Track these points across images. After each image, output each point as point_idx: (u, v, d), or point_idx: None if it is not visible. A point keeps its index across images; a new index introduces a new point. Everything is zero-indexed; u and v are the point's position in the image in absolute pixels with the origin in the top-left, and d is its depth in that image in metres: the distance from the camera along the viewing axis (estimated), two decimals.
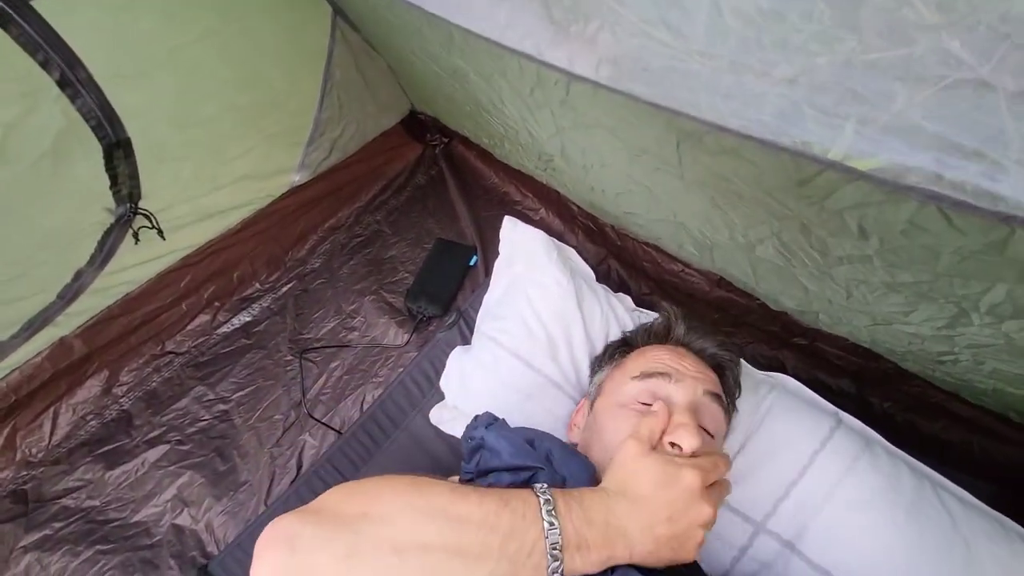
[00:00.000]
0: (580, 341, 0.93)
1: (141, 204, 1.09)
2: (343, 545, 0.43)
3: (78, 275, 1.09)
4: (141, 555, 1.02)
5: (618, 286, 1.17)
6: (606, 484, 0.54)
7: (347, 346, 1.25)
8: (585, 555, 0.48)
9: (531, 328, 0.93)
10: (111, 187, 1.03)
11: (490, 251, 1.28)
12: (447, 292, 1.28)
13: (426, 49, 1.03)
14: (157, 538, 1.04)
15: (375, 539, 0.44)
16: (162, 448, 1.14)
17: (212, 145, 1.16)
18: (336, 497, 0.48)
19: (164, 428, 1.17)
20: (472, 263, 1.33)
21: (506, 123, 1.11)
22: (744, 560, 0.73)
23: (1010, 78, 0.35)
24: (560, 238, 1.15)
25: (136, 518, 1.07)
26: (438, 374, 1.02)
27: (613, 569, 0.51)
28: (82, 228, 1.05)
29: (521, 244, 1.03)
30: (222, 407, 1.19)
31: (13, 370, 1.12)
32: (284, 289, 1.37)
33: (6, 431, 1.14)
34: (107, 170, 1.01)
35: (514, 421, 0.68)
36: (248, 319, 1.33)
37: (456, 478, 0.64)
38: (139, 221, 1.11)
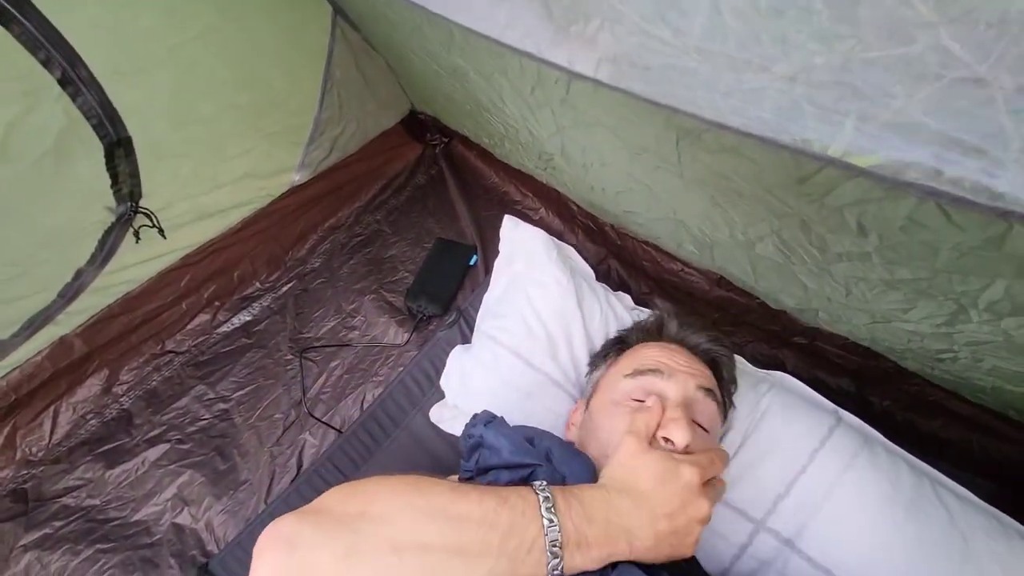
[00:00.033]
0: (580, 340, 0.93)
1: (141, 203, 1.09)
2: (343, 544, 0.43)
3: (79, 274, 1.10)
4: (141, 554, 1.02)
5: (618, 285, 1.17)
6: (605, 481, 0.55)
7: (347, 345, 1.25)
8: (585, 552, 0.48)
9: (531, 327, 0.93)
10: (112, 186, 1.04)
11: (490, 250, 1.28)
12: (447, 291, 1.28)
13: (426, 48, 1.04)
14: (157, 537, 1.04)
15: (375, 538, 0.44)
16: (162, 447, 1.14)
17: (212, 143, 1.16)
18: (336, 497, 0.48)
19: (164, 427, 1.17)
20: (472, 262, 1.34)
21: (506, 122, 1.11)
22: (744, 558, 0.73)
23: (1008, 75, 0.35)
24: (560, 237, 1.15)
25: (136, 517, 1.07)
26: (438, 373, 1.02)
27: (614, 566, 0.51)
28: (83, 227, 1.06)
29: (521, 243, 1.03)
30: (222, 406, 1.19)
31: (13, 369, 1.12)
32: (284, 288, 1.38)
33: (6, 430, 1.14)
34: (108, 169, 1.01)
35: (514, 419, 0.68)
36: (248, 318, 1.33)
37: (456, 477, 0.64)
38: (140, 220, 1.11)
